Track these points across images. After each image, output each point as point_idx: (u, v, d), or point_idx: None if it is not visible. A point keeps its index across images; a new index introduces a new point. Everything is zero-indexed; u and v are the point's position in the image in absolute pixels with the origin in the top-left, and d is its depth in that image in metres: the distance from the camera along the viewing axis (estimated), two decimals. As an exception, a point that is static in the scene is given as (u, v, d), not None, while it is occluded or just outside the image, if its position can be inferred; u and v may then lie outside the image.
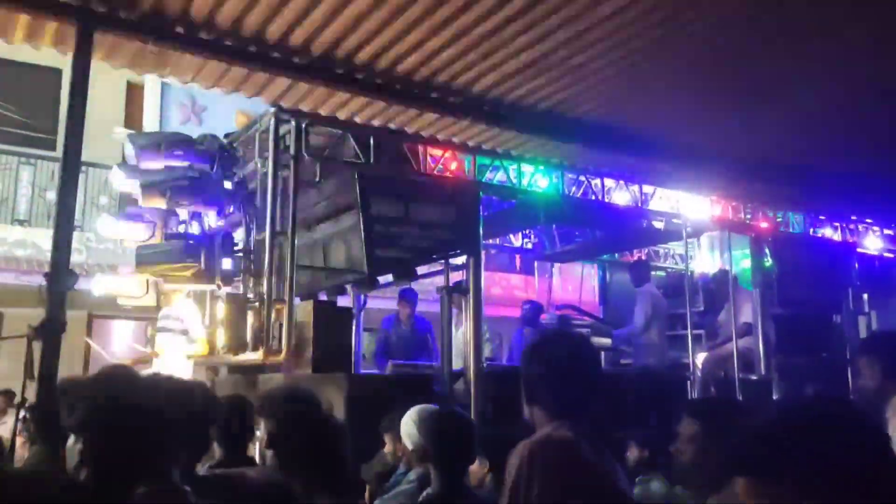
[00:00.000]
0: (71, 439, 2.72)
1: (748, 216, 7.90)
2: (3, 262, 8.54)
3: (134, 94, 10.43)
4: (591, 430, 2.10)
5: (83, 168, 9.31)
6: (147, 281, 5.66)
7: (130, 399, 1.75)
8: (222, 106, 8.32)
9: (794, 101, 5.16)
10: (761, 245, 8.00)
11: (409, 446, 3.40)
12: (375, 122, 5.21)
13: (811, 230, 8.40)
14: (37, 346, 3.00)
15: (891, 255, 8.92)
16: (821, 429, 1.12)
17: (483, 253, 6.68)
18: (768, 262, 8.01)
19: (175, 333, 5.79)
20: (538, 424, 2.08)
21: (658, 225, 7.66)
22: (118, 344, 8.91)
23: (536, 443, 1.98)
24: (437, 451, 2.93)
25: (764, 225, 7.96)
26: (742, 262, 8.40)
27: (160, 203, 5.71)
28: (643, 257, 9.35)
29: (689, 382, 7.23)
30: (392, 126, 5.28)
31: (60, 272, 3.06)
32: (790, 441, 1.11)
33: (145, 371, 5.63)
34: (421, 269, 6.59)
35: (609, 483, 2.03)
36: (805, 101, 5.17)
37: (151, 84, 9.43)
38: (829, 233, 8.57)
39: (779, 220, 8.14)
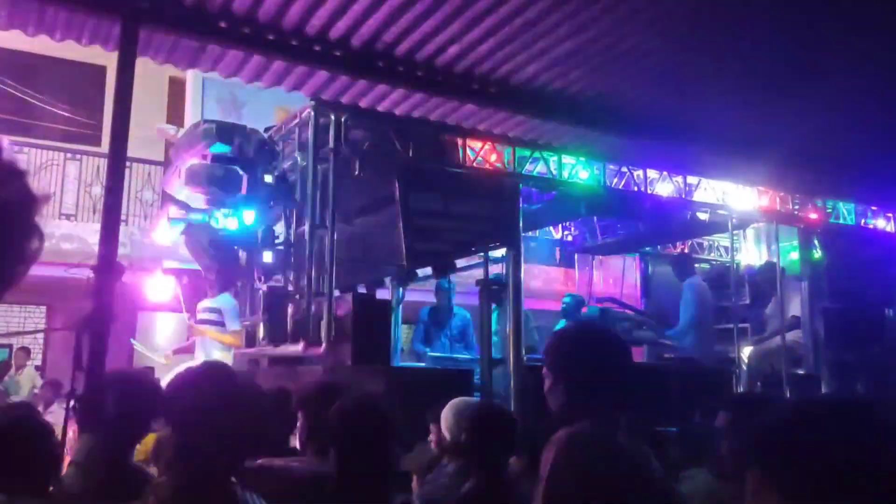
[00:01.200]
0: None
1: (796, 207, 7.70)
2: (50, 255, 8.63)
3: (176, 89, 10.58)
4: (627, 424, 2.07)
5: (128, 164, 9.58)
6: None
7: (231, 395, 1.78)
8: (261, 101, 8.38)
9: (844, 86, 4.99)
10: (810, 237, 7.81)
11: (448, 438, 3.39)
12: (415, 115, 5.19)
13: (862, 221, 8.15)
14: (85, 339, 3.04)
15: (946, 247, 8.61)
16: (834, 427, 1.08)
17: (523, 245, 6.63)
18: (817, 254, 7.82)
19: (214, 326, 5.87)
20: (571, 418, 2.05)
21: (703, 216, 7.51)
22: (161, 337, 9.06)
23: (571, 435, 1.96)
24: (475, 445, 2.92)
25: (813, 216, 7.75)
26: (790, 254, 8.21)
27: (201, 199, 5.78)
28: (685, 250, 9.18)
29: (734, 377, 7.09)
30: (432, 118, 5.24)
31: (108, 265, 3.10)
32: (800, 436, 1.09)
33: (187, 364, 5.75)
34: (460, 262, 6.56)
35: (644, 476, 1.99)
36: (856, 86, 5.00)
37: (193, 80, 9.54)
38: (882, 224, 8.30)
39: (829, 210, 7.92)
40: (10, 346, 9.74)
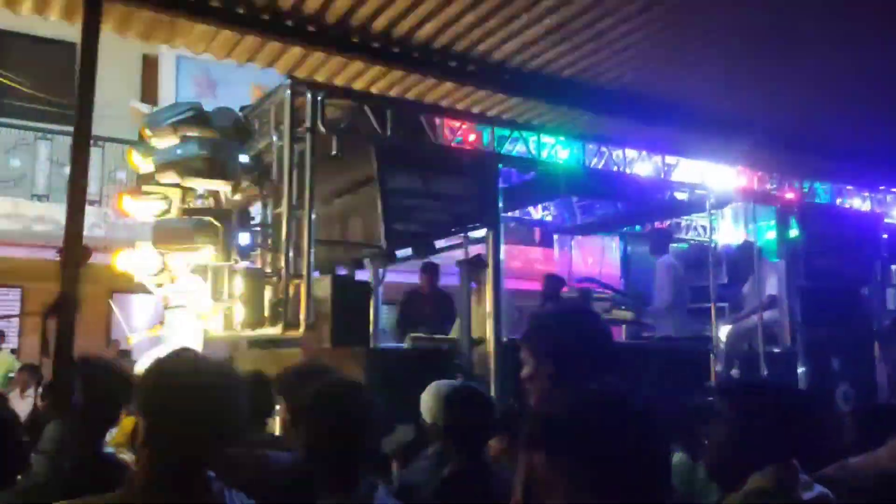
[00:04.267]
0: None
1: (774, 187, 7.74)
2: (22, 237, 8.59)
3: (149, 67, 10.37)
4: None
5: (100, 143, 9.41)
6: (163, 257, 5.65)
7: (200, 383, 1.73)
8: (237, 79, 8.25)
9: (822, 66, 4.98)
10: (787, 216, 7.84)
11: (428, 421, 3.36)
12: (392, 93, 5.11)
13: (838, 200, 8.21)
14: (53, 323, 2.97)
15: (921, 226, 8.71)
16: (607, 418, 1.19)
17: (502, 226, 6.59)
18: (794, 233, 7.86)
19: (182, 309, 5.79)
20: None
21: (681, 196, 7.52)
22: (138, 319, 8.95)
23: None
24: (453, 427, 2.90)
25: (790, 196, 7.80)
26: (767, 233, 8.26)
27: (175, 179, 5.67)
28: (666, 226, 9.20)
29: (711, 356, 7.13)
30: (409, 97, 5.17)
31: (74, 248, 3.02)
32: (578, 425, 1.18)
33: (160, 348, 5.68)
34: (440, 243, 6.52)
35: None
36: (833, 66, 4.99)
37: (167, 58, 9.36)
38: (857, 203, 8.38)
39: (805, 190, 7.96)
40: (-16, 330, 9.59)
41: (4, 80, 10.08)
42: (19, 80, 10.10)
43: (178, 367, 1.78)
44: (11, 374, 8.46)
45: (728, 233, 9.28)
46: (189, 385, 1.71)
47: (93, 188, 9.33)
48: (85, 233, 8.42)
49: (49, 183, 9.25)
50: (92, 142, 9.03)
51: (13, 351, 9.48)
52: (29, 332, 9.05)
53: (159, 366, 1.80)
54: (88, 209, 9.08)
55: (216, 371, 1.79)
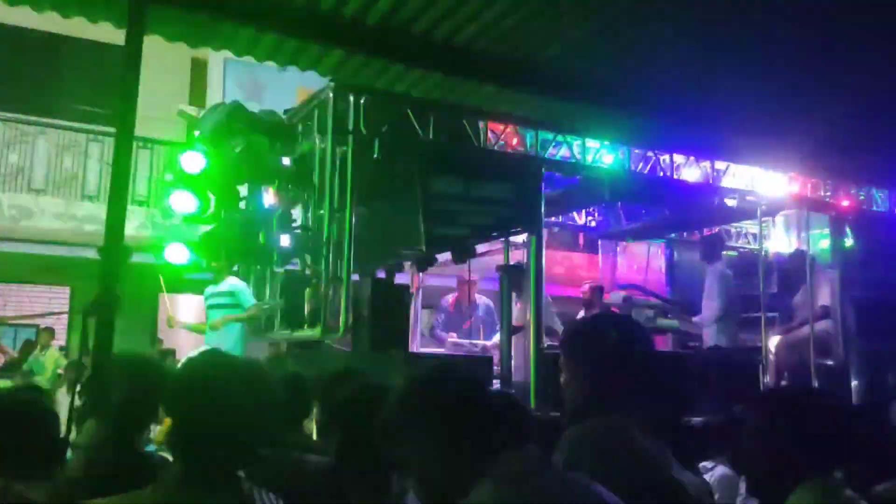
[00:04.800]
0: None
1: (828, 194, 7.49)
2: (73, 237, 8.82)
3: (198, 71, 10.57)
4: (644, 418, 1.98)
5: (149, 145, 9.61)
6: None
7: (228, 387, 1.73)
8: (283, 83, 8.32)
9: (878, 69, 4.79)
10: (842, 224, 7.60)
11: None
12: (433, 96, 5.08)
13: (896, 208, 7.91)
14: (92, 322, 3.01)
15: None
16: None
17: (545, 231, 6.51)
18: (849, 242, 7.61)
19: (227, 308, 5.84)
20: (588, 412, 1.97)
21: (731, 203, 7.33)
22: (185, 318, 9.09)
23: (582, 435, 1.87)
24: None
25: (845, 203, 7.54)
26: (821, 241, 8.00)
27: (219, 181, 5.73)
28: (719, 230, 8.98)
29: (761, 367, 6.93)
30: (451, 100, 5.13)
31: (114, 246, 3.06)
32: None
33: (200, 349, 5.74)
34: (481, 248, 6.47)
35: (660, 473, 1.90)
36: (891, 69, 4.79)
37: (215, 61, 9.52)
38: (917, 211, 8.04)
39: (861, 197, 7.69)
40: (36, 327, 9.87)
41: (59, 83, 10.38)
42: (71, 83, 10.38)
43: (204, 369, 1.78)
44: (60, 371, 8.69)
45: (779, 241, 9.01)
46: (215, 387, 1.71)
47: (141, 189, 9.56)
48: (132, 233, 8.62)
49: (100, 183, 9.47)
50: (140, 144, 9.32)
51: (62, 348, 9.73)
52: (77, 329, 9.26)
53: (186, 368, 1.81)
54: (136, 210, 9.41)
55: (244, 373, 1.78)
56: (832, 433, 1.82)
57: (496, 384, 5.49)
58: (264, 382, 1.84)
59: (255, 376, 1.82)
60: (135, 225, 8.92)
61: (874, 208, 7.78)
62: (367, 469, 2.26)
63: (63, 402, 6.31)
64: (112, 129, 3.38)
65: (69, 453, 2.70)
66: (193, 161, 5.50)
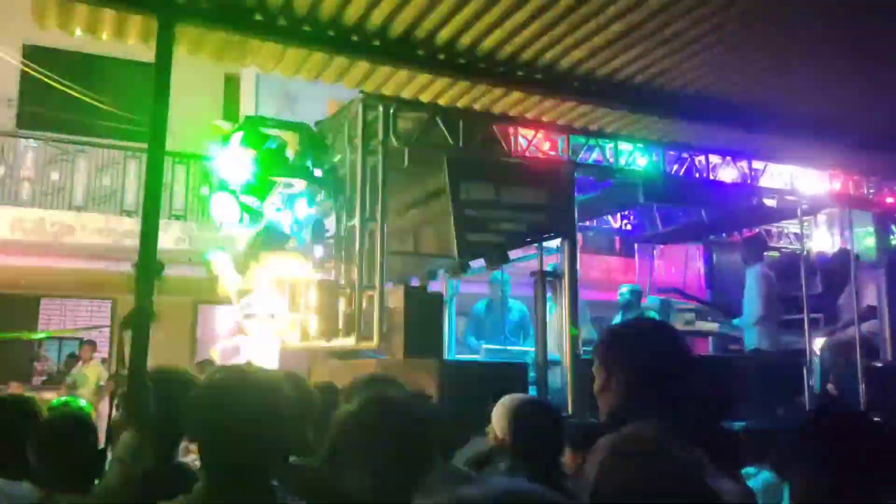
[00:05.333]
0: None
1: (871, 191, 7.29)
2: (114, 251, 9.00)
3: (231, 85, 10.73)
4: (682, 424, 1.93)
5: (185, 160, 9.77)
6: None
7: (249, 404, 1.75)
8: (314, 95, 8.38)
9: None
10: (887, 222, 7.41)
11: (499, 435, 3.29)
12: (460, 104, 5.06)
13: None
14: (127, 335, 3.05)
15: None
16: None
17: (579, 235, 6.44)
18: (895, 240, 7.41)
19: (262, 318, 5.89)
20: (622, 420, 1.92)
21: (770, 203, 7.17)
22: (222, 329, 9.21)
23: (615, 444, 1.82)
24: (518, 443, 2.83)
25: (889, 200, 7.35)
26: (865, 240, 7.79)
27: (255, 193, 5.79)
28: (759, 231, 8.81)
29: (805, 370, 6.76)
30: (477, 107, 5.11)
31: (149, 261, 3.10)
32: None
33: (236, 359, 5.79)
34: (515, 253, 6.43)
35: (694, 483, 1.85)
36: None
37: (247, 75, 9.66)
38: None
39: (906, 194, 7.47)
40: (79, 340, 10.09)
41: (96, 102, 10.62)
42: (109, 101, 10.62)
43: (221, 387, 1.79)
44: (102, 383, 8.86)
45: (822, 240, 8.80)
46: (230, 403, 1.73)
47: (178, 203, 9.71)
48: (170, 246, 8.74)
49: (137, 199, 9.65)
50: (176, 159, 9.46)
51: (104, 361, 9.92)
52: (117, 342, 9.42)
53: (204, 386, 1.82)
54: (174, 223, 9.55)
55: (263, 388, 1.79)
56: (879, 455, 1.77)
57: (531, 390, 5.44)
58: (282, 396, 1.85)
59: (273, 390, 1.83)
60: (173, 238, 9.07)
61: (920, 205, 7.55)
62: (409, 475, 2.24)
63: (104, 413, 6.43)
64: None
65: (108, 465, 2.75)
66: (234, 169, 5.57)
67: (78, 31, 3.80)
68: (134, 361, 2.95)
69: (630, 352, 1.97)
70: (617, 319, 7.74)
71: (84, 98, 10.44)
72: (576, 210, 6.05)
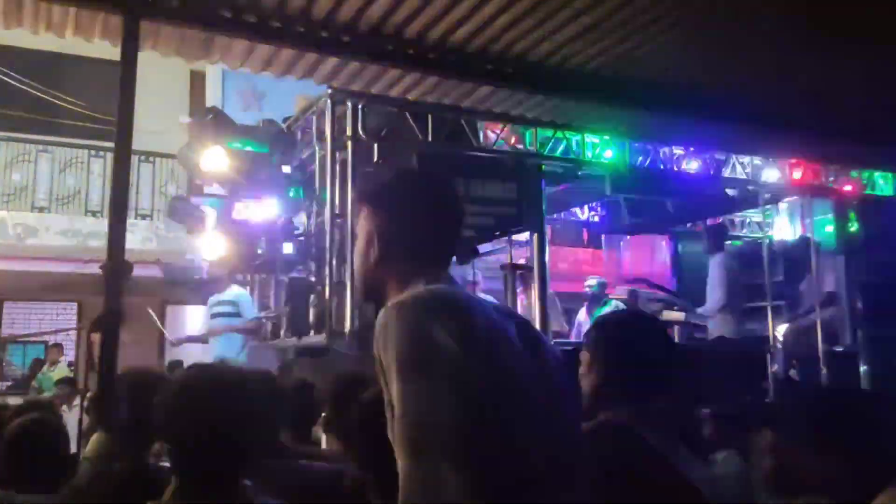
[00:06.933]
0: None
1: (831, 179, 7.46)
2: (78, 252, 8.83)
3: (197, 82, 10.59)
4: (659, 415, 1.99)
5: (151, 158, 9.63)
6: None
7: (220, 404, 1.75)
8: (282, 91, 8.33)
9: (878, 53, 4.75)
10: (845, 209, 7.57)
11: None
12: (430, 99, 5.08)
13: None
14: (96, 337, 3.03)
15: None
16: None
17: (548, 228, 6.50)
18: (853, 226, 7.58)
19: (229, 317, 5.86)
20: (600, 405, 1.98)
21: (732, 192, 7.31)
22: (192, 330, 9.11)
23: (593, 428, 1.88)
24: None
25: (848, 188, 7.52)
26: (825, 227, 7.97)
27: (222, 190, 5.77)
28: (722, 220, 8.96)
29: (768, 356, 6.91)
30: (448, 101, 5.13)
31: (117, 263, 3.07)
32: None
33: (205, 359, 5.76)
34: (484, 247, 6.46)
35: (673, 474, 1.91)
36: (891, 52, 4.76)
37: (212, 72, 9.54)
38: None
39: (864, 182, 7.66)
40: (45, 343, 9.91)
41: (58, 101, 10.42)
42: (72, 100, 10.42)
43: (191, 388, 1.79)
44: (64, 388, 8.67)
45: (784, 228, 8.99)
46: (203, 407, 1.72)
47: (144, 203, 9.59)
48: (137, 246, 8.62)
49: (103, 199, 9.50)
50: (143, 157, 9.33)
51: (70, 364, 9.75)
52: (84, 345, 9.27)
53: (174, 388, 1.82)
54: (140, 223, 9.43)
55: (235, 388, 1.79)
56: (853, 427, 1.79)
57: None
58: (253, 394, 1.85)
59: (244, 388, 1.83)
60: (139, 238, 8.95)
61: (877, 192, 7.74)
62: (390, 476, 2.25)
63: (67, 416, 6.35)
64: (112, 145, 3.40)
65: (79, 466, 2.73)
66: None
67: (42, 30, 3.73)
68: (104, 364, 2.93)
69: (617, 339, 2.05)
70: (583, 311, 7.86)
71: (45, 97, 10.22)
72: (544, 203, 6.11)
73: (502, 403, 1.30)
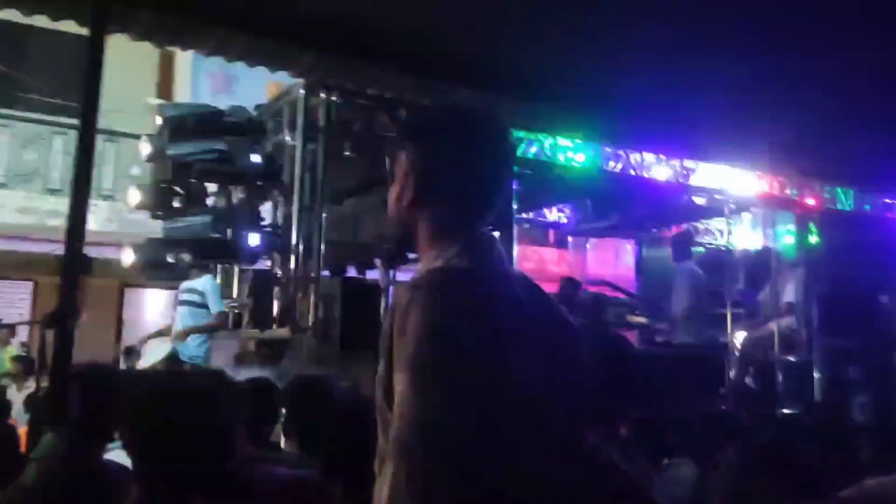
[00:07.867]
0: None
1: (794, 192, 7.59)
2: (36, 231, 8.61)
3: (166, 63, 10.35)
4: (626, 436, 2.01)
5: (115, 139, 9.39)
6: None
7: (170, 412, 1.73)
8: (254, 77, 8.19)
9: (844, 69, 4.82)
10: (806, 221, 7.72)
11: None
12: (408, 98, 5.02)
13: (860, 206, 8.04)
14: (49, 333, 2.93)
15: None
16: None
17: (515, 227, 6.51)
18: (814, 238, 7.73)
19: (195, 307, 5.76)
20: None
21: (699, 201, 7.41)
22: (150, 313, 8.97)
23: None
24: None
25: (811, 202, 7.66)
26: (785, 237, 8.12)
27: (187, 178, 5.65)
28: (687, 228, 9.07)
29: (726, 362, 7.03)
30: (426, 101, 5.08)
31: (75, 257, 2.96)
32: None
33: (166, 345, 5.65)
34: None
35: (641, 494, 1.93)
36: (857, 69, 4.83)
37: (183, 54, 9.33)
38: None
39: (826, 196, 7.81)
40: (-7, 323, 9.63)
41: (20, 74, 10.11)
42: (35, 74, 10.12)
43: (153, 398, 1.76)
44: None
45: (746, 238, 9.13)
46: (160, 410, 1.71)
47: (107, 183, 9.37)
48: (98, 227, 8.42)
49: (63, 177, 9.24)
50: (107, 137, 9.11)
51: (23, 344, 9.51)
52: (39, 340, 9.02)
53: (135, 395, 1.79)
54: (102, 204, 9.22)
55: (197, 397, 1.76)
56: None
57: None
58: (216, 402, 1.83)
59: (206, 396, 1.81)
60: (101, 219, 8.74)
61: (839, 207, 7.90)
62: (354, 480, 2.24)
63: (15, 398, 6.20)
64: (76, 122, 3.27)
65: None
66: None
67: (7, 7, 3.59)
68: (57, 360, 2.83)
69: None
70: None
71: (5, 70, 9.89)
72: (514, 202, 6.11)
73: (509, 417, 1.25)
